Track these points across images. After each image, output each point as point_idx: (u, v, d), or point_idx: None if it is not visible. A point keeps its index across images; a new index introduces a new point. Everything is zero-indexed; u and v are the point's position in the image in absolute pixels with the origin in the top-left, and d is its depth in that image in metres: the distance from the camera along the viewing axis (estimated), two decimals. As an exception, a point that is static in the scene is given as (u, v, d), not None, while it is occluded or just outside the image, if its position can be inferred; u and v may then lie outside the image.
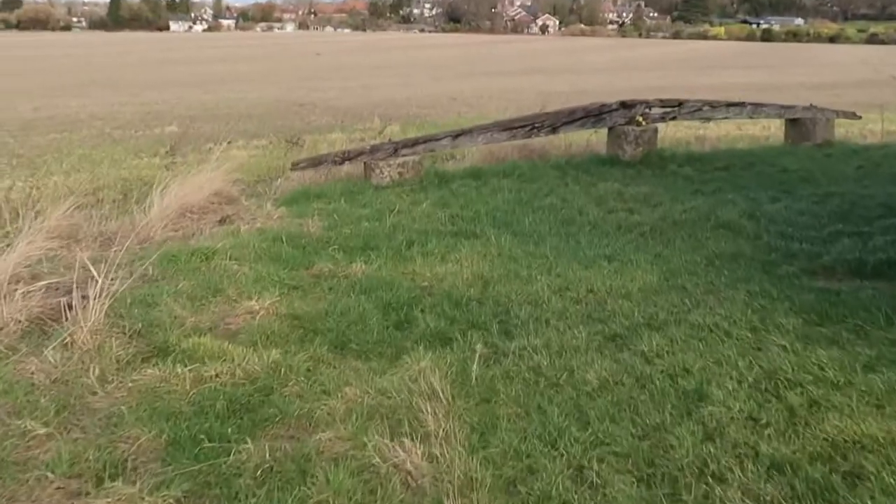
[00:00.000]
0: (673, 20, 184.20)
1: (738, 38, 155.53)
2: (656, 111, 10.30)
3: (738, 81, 50.88)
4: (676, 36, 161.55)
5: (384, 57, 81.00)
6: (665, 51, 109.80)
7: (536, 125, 9.40)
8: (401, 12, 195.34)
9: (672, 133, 13.22)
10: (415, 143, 8.78)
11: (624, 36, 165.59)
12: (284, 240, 6.26)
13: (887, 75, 54.46)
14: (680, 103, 10.44)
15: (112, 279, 4.59)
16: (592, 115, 9.79)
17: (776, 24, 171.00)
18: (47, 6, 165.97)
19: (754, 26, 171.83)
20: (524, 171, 9.20)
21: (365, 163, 8.60)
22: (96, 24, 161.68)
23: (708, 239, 6.37)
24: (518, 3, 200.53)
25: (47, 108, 32.63)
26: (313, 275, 5.53)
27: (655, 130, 10.09)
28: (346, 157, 8.47)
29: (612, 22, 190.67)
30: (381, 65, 68.69)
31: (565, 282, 5.26)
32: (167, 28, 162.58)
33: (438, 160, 10.16)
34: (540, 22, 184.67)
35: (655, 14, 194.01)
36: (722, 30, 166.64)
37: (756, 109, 11.02)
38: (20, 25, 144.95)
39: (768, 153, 10.79)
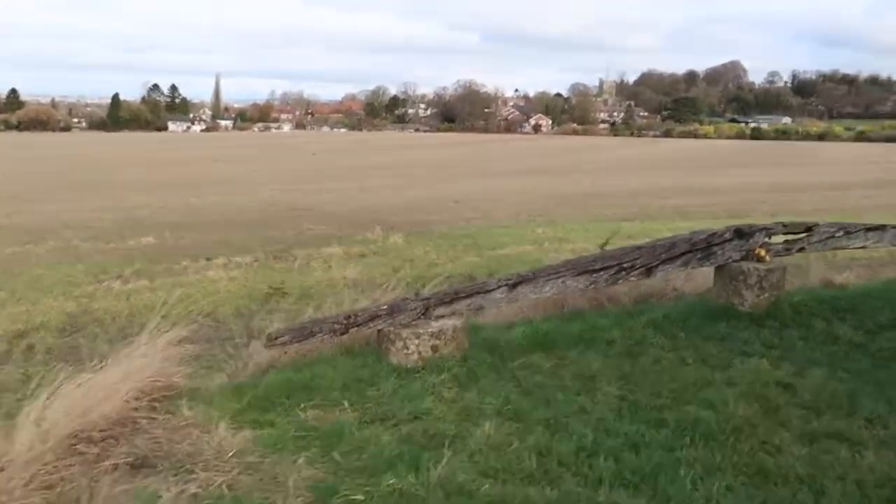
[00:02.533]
0: (663, 119, 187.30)
1: (729, 137, 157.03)
2: (777, 239, 7.45)
3: (758, 182, 48.90)
4: (668, 135, 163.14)
5: (381, 157, 79.47)
6: (663, 149, 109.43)
7: (625, 266, 6.50)
8: (396, 112, 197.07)
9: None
10: (454, 297, 5.84)
11: (616, 135, 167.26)
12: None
13: (902, 175, 52.44)
14: (809, 228, 7.60)
15: None
16: (699, 249, 6.91)
17: (764, 123, 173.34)
18: (48, 108, 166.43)
19: (743, 125, 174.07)
20: (612, 334, 6.27)
21: (380, 331, 5.64)
22: (96, 125, 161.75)
23: None
24: (511, 104, 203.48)
25: (21, 215, 29.90)
26: None
27: (784, 270, 7.21)
28: (352, 322, 5.50)
29: (603, 121, 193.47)
30: (379, 165, 66.79)
31: None
32: (165, 129, 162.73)
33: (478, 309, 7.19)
34: (533, 121, 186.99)
35: (646, 113, 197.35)
36: (712, 129, 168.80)
37: (899, 234, 8.24)
38: (20, 126, 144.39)
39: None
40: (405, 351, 5.53)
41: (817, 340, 6.27)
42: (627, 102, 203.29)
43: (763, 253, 7.14)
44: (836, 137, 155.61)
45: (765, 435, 4.27)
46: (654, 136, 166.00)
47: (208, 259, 17.88)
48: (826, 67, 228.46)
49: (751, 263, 7.07)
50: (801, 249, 7.55)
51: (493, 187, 44.10)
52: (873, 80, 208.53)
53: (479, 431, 4.30)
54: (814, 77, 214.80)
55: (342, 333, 5.51)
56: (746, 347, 6.01)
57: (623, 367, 5.52)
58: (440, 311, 5.79)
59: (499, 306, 6.16)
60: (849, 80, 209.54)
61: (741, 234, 7.12)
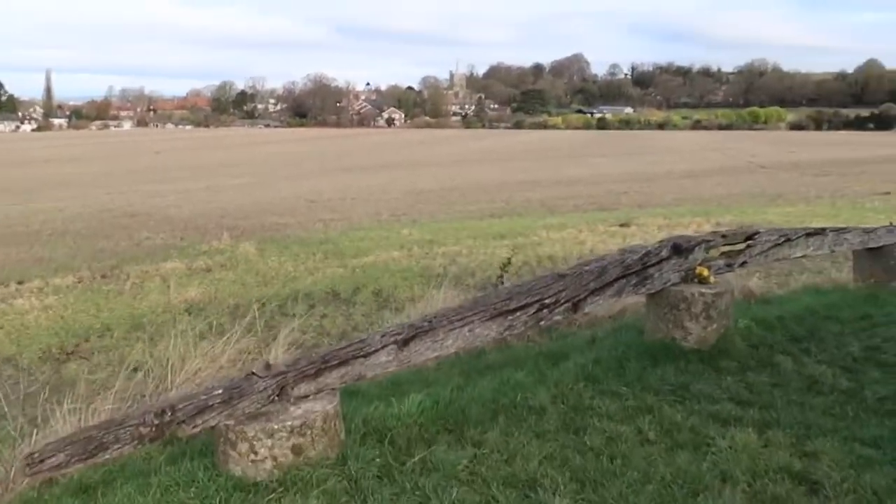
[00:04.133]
0: (513, 111, 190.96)
1: (577, 127, 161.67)
2: (714, 253, 6.07)
3: (613, 171, 49.17)
4: (518, 126, 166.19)
5: (230, 154, 75.51)
6: (514, 140, 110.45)
7: (548, 302, 4.91)
8: (245, 108, 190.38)
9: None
10: (322, 367, 4.03)
11: (468, 127, 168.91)
12: None
13: (744, 161, 54.77)
14: (750, 237, 6.27)
15: None
16: (633, 273, 5.41)
17: (608, 113, 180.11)
18: None
19: (589, 115, 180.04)
20: (538, 397, 4.68)
21: (215, 428, 3.79)
22: None
23: None
24: (363, 97, 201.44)
25: None
26: None
27: (732, 294, 5.82)
28: (168, 420, 3.62)
29: (455, 114, 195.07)
30: (227, 163, 63.16)
31: None
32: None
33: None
34: (386, 115, 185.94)
35: (496, 105, 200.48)
36: (560, 119, 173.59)
37: (838, 238, 7.09)
38: None
39: (874, 308, 6.78)
40: (252, 457, 3.70)
41: (794, 387, 4.89)
42: (478, 95, 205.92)
43: (706, 273, 5.74)
44: (675, 126, 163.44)
45: None
46: (506, 127, 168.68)
47: (20, 283, 15.10)
48: (663, 60, 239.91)
49: (693, 287, 5.65)
50: (744, 264, 6.23)
51: (351, 184, 42.05)
52: (706, 72, 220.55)
53: None
54: (652, 69, 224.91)
55: (153, 440, 3.61)
56: (716, 407, 4.54)
57: (568, 456, 3.90)
58: (302, 388, 3.98)
59: (385, 370, 4.40)
60: (683, 72, 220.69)
61: (679, 250, 5.68)
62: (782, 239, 6.47)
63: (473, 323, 4.62)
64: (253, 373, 3.93)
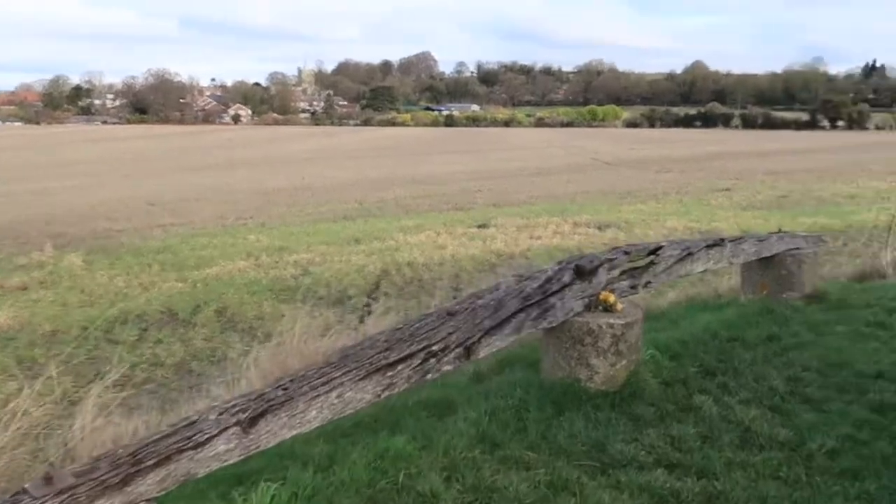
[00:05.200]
0: (362, 108, 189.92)
1: (426, 124, 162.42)
2: (615, 274, 5.24)
3: (465, 169, 48.89)
4: (367, 123, 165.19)
5: (62, 153, 69.98)
6: (365, 137, 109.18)
7: (434, 350, 3.89)
8: (80, 103, 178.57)
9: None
10: (133, 469, 2.84)
11: (318, 124, 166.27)
12: None
13: (589, 158, 56.17)
14: (654, 251, 5.49)
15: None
16: (533, 304, 4.48)
17: (456, 111, 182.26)
18: None
19: (437, 113, 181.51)
20: (428, 479, 3.64)
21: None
22: None
23: None
24: (208, 93, 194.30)
25: None
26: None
27: (641, 323, 5.00)
28: None
29: (303, 111, 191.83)
30: (60, 162, 58.35)
31: None
32: None
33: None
34: (232, 111, 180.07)
35: (345, 102, 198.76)
36: (409, 116, 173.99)
37: (735, 249, 6.47)
38: None
39: (781, 328, 6.18)
40: None
41: (727, 441, 4.11)
42: (327, 92, 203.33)
43: (612, 299, 4.90)
44: (520, 123, 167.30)
45: None
46: (356, 124, 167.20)
47: None
48: (507, 59, 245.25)
49: (600, 317, 4.79)
50: (648, 284, 5.45)
51: (194, 184, 39.56)
52: (547, 71, 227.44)
53: None
54: (496, 67, 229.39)
55: None
56: (646, 478, 3.66)
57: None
58: (104, 504, 2.77)
59: (225, 463, 3.24)
60: (526, 71, 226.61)
61: (581, 272, 4.81)
62: (685, 253, 5.75)
63: (343, 386, 3.53)
64: (25, 489, 2.68)
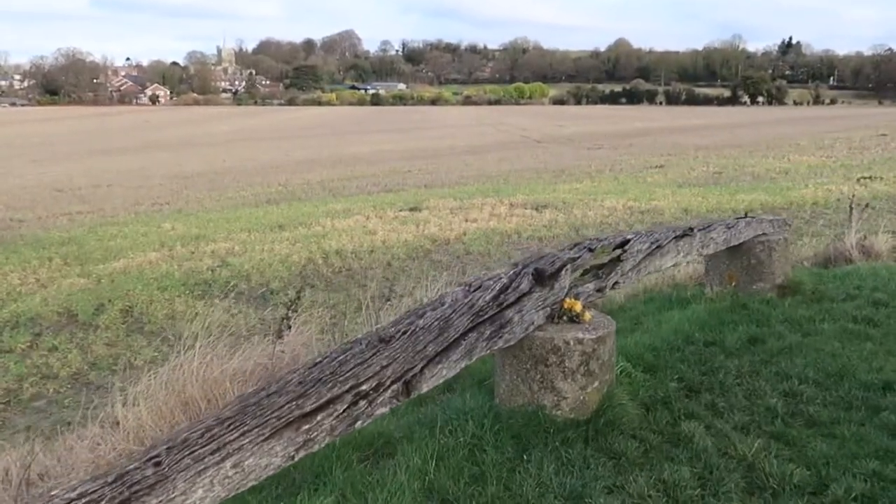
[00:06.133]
0: (286, 87, 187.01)
1: (351, 103, 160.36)
2: (578, 274, 4.40)
3: (393, 148, 47.70)
4: (292, 103, 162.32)
5: (-40, 138, 66.03)
6: (289, 117, 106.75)
7: (363, 389, 2.98)
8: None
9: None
10: None
11: (239, 104, 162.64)
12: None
13: (518, 135, 55.76)
14: (622, 245, 4.66)
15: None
16: (487, 319, 3.59)
17: (382, 90, 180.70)
18: None
19: (363, 92, 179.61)
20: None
21: None
22: None
23: None
24: (123, 74, 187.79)
25: None
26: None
27: (614, 335, 4.14)
28: None
29: (225, 90, 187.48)
30: (-44, 148, 54.95)
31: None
32: None
33: None
34: (149, 92, 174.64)
35: (268, 82, 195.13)
36: (334, 96, 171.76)
37: (705, 238, 5.70)
38: None
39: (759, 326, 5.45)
40: None
41: (734, 484, 3.31)
42: (249, 71, 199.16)
43: (579, 307, 4.05)
44: (447, 102, 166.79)
45: None
46: (279, 104, 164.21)
47: None
48: (432, 37, 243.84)
49: (566, 330, 3.93)
50: (615, 285, 4.62)
51: (107, 168, 37.46)
52: (473, 49, 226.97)
53: None
54: (422, 46, 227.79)
55: None
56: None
57: None
58: None
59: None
60: (452, 49, 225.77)
61: (541, 277, 3.94)
62: (654, 246, 4.94)
63: (242, 451, 2.59)
64: None
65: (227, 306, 10.44)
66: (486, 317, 3.63)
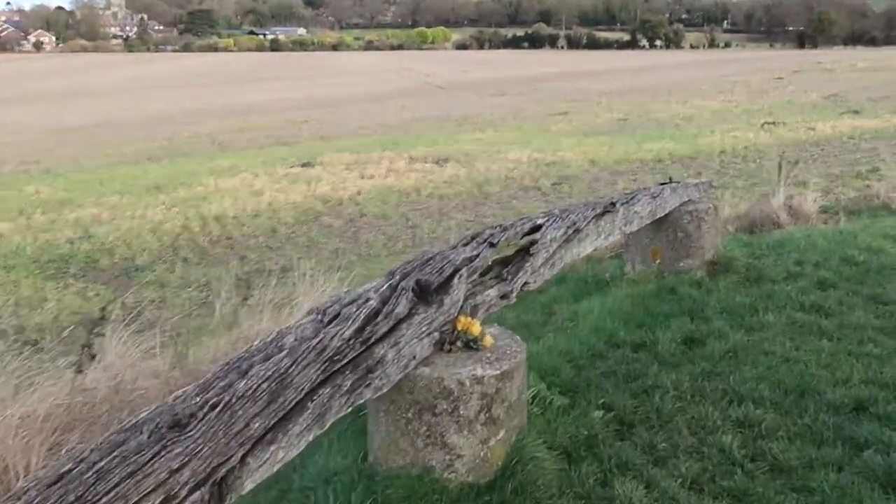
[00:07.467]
0: (180, 33, 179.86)
1: (249, 49, 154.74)
2: (476, 277, 3.37)
3: (291, 96, 45.54)
4: (187, 49, 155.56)
5: None
6: (183, 64, 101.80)
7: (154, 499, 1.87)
8: None
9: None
10: None
11: (131, 51, 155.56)
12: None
13: (422, 81, 54.31)
14: (533, 230, 3.65)
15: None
16: (346, 365, 2.52)
17: (281, 35, 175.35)
18: None
19: (261, 37, 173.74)
20: None
21: None
22: None
23: None
24: (3, 19, 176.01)
25: None
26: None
27: (524, 366, 3.12)
28: None
29: (115, 37, 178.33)
30: None
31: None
32: None
33: None
34: (33, 38, 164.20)
35: (161, 27, 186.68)
36: (232, 41, 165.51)
37: (628, 213, 4.73)
38: None
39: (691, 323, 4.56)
40: None
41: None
42: (140, 16, 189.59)
43: (477, 329, 3.03)
44: (349, 47, 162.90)
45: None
46: (173, 50, 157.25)
47: None
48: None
49: (460, 364, 2.91)
50: (525, 286, 3.61)
51: (-27, 124, 34.33)
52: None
53: None
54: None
55: None
56: None
57: None
58: None
59: None
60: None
61: (426, 292, 2.89)
62: (571, 230, 3.96)
63: None
64: None
65: (80, 288, 9.09)
66: (345, 361, 2.56)
